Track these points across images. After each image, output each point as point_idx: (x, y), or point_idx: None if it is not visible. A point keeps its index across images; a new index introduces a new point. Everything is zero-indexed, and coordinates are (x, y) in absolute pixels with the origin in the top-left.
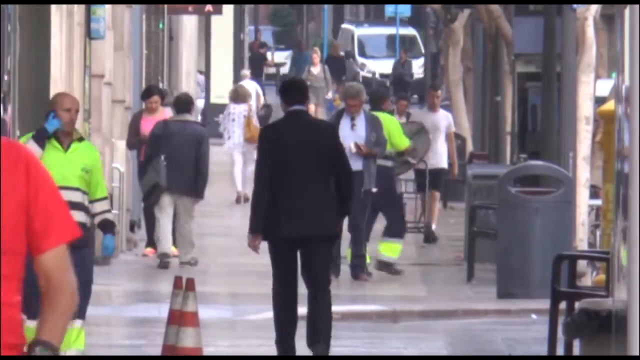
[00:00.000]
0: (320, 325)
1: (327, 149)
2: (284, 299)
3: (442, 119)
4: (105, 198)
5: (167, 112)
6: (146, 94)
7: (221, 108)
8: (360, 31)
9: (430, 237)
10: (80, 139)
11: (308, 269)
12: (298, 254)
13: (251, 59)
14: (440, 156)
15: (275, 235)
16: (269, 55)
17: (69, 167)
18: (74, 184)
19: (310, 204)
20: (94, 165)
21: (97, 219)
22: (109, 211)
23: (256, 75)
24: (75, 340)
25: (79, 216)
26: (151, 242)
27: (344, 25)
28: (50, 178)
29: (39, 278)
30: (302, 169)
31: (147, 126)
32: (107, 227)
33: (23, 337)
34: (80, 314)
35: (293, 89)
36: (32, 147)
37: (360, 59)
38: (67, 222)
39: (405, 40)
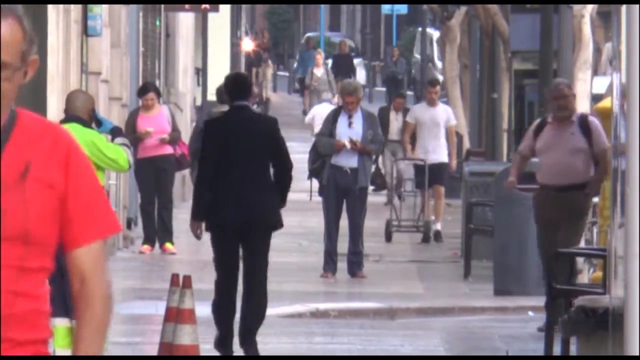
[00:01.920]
0: (250, 322)
1: (268, 141)
2: (224, 291)
3: (441, 113)
4: None
5: (163, 109)
6: (142, 91)
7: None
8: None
9: (436, 236)
10: None
11: (246, 258)
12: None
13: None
14: (440, 151)
15: (217, 223)
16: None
17: None
18: None
19: (251, 193)
20: None
21: None
22: None
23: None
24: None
25: None
26: (148, 239)
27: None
28: (91, 168)
29: (72, 277)
30: (243, 161)
31: (143, 123)
32: None
33: (49, 330)
34: None
35: (236, 86)
36: (124, 141)
37: (439, 63)
38: (107, 216)
39: None
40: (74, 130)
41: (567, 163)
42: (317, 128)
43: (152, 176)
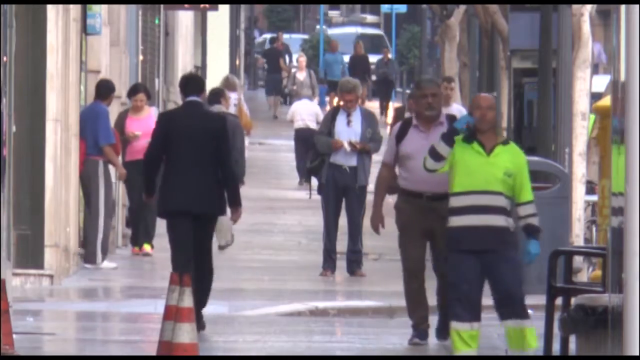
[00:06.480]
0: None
1: (214, 137)
2: (179, 267)
3: (455, 112)
4: (530, 202)
5: (153, 112)
6: (132, 92)
7: None
8: None
9: None
10: (506, 142)
11: (195, 242)
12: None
13: (265, 54)
14: None
15: (166, 211)
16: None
17: (491, 171)
18: (497, 189)
19: (196, 183)
20: (519, 170)
21: (522, 223)
22: (533, 215)
23: (275, 71)
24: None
25: (500, 220)
26: (136, 240)
27: None
28: None
29: None
30: (191, 153)
31: (131, 126)
32: (532, 231)
33: None
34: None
35: (190, 82)
36: (442, 148)
37: None
38: None
39: None
40: None
41: None
42: (297, 124)
43: (140, 179)
